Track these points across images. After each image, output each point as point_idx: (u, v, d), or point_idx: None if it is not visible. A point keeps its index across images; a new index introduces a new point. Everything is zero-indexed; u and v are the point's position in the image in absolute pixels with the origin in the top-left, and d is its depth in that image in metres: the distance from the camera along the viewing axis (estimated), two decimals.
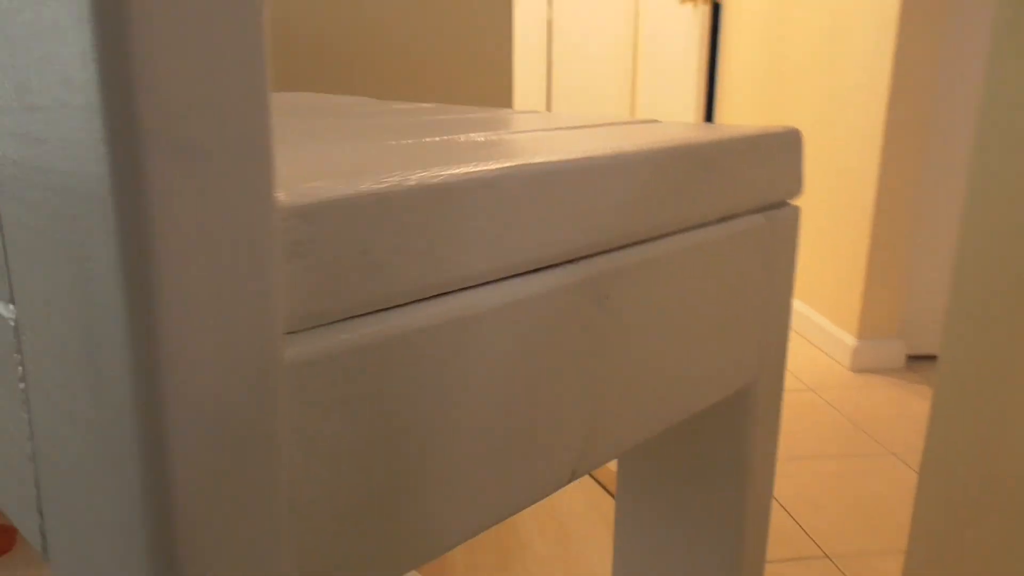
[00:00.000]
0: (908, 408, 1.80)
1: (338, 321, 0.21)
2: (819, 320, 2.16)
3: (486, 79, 1.59)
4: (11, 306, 0.22)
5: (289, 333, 0.20)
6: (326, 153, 0.28)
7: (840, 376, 1.97)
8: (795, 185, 0.38)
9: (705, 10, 2.71)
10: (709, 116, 2.91)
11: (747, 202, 0.36)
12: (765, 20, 2.44)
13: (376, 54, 1.55)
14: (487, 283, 0.25)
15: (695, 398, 0.34)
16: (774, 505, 1.39)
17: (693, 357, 0.34)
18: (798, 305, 2.28)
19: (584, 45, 3.53)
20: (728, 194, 0.34)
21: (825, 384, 1.92)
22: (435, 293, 0.23)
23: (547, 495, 0.28)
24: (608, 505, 1.37)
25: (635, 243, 0.30)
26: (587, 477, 1.45)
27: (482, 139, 0.32)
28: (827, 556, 1.25)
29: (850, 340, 2.01)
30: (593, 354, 0.28)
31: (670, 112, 3.08)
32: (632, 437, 0.31)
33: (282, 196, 0.19)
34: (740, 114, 2.63)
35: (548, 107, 3.55)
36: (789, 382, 1.92)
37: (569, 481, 0.29)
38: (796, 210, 0.39)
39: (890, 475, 1.50)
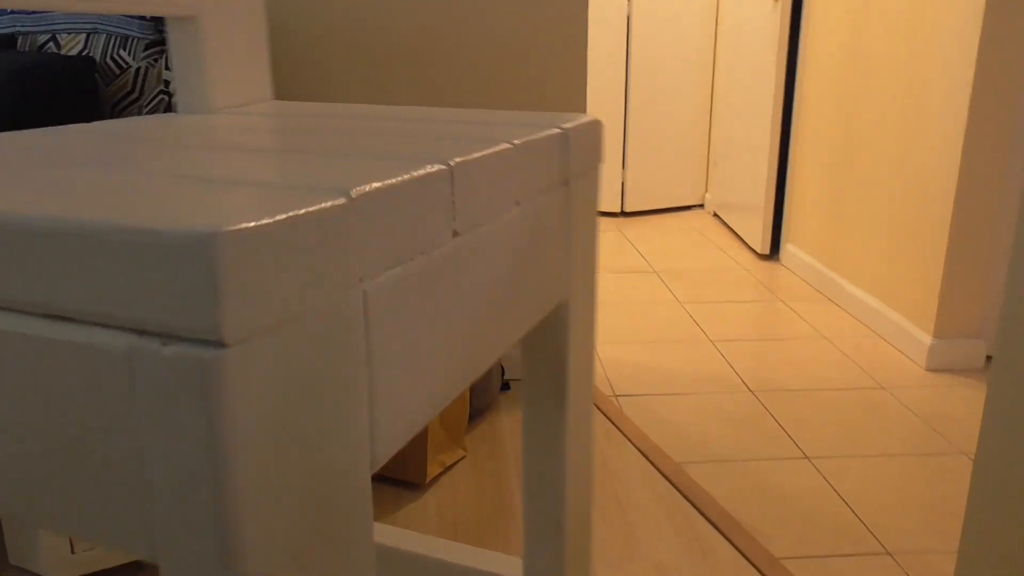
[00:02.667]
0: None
1: None
2: (894, 317, 2.13)
3: (556, 79, 1.64)
4: None
5: None
6: None
7: (915, 375, 1.95)
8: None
9: (786, 7, 2.69)
10: (788, 111, 2.89)
11: None
12: (846, 15, 2.41)
13: (441, 55, 1.61)
14: None
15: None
16: (837, 500, 1.41)
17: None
18: (872, 302, 2.25)
19: (663, 39, 3.53)
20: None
21: (898, 383, 1.90)
22: None
23: None
24: (667, 493, 1.40)
25: None
26: (650, 467, 1.50)
27: None
28: (888, 553, 1.26)
29: (926, 339, 1.98)
30: None
31: (748, 107, 3.06)
32: None
33: None
34: (819, 108, 2.60)
35: (625, 104, 3.57)
36: (861, 380, 1.91)
37: None
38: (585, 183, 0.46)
39: (961, 475, 1.49)
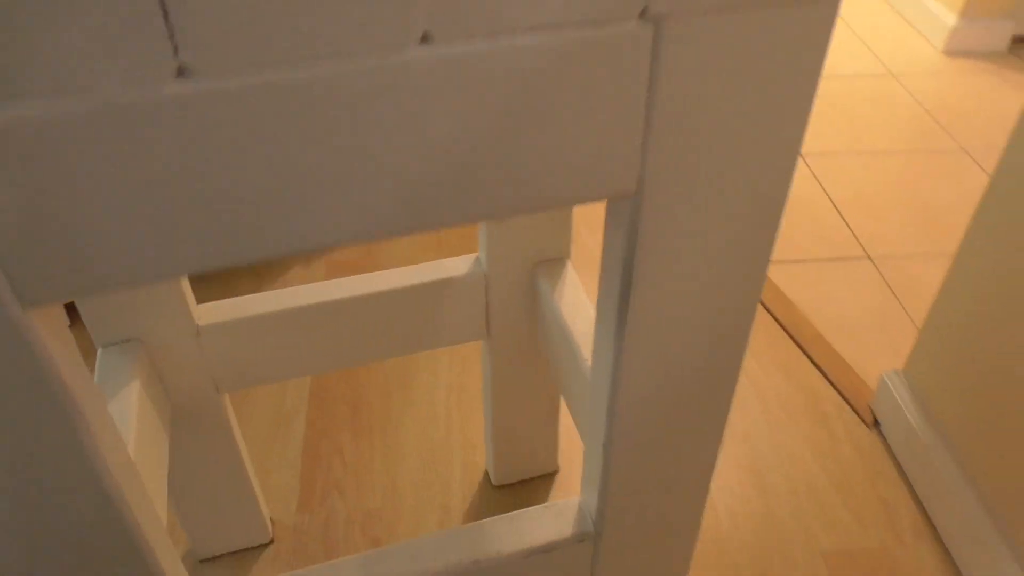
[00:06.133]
0: (999, 99, 1.65)
1: None
2: None
3: None
4: None
5: None
6: None
7: (930, 60, 1.80)
8: None
9: None
10: None
11: None
12: None
13: None
14: None
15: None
16: (825, 203, 1.36)
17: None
18: None
19: None
20: None
21: (911, 70, 1.76)
22: None
23: None
24: None
25: None
26: None
27: None
28: (869, 257, 1.25)
29: (950, 18, 1.81)
30: None
31: None
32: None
33: None
34: None
35: None
36: (870, 66, 1.77)
37: None
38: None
39: (959, 176, 1.44)
